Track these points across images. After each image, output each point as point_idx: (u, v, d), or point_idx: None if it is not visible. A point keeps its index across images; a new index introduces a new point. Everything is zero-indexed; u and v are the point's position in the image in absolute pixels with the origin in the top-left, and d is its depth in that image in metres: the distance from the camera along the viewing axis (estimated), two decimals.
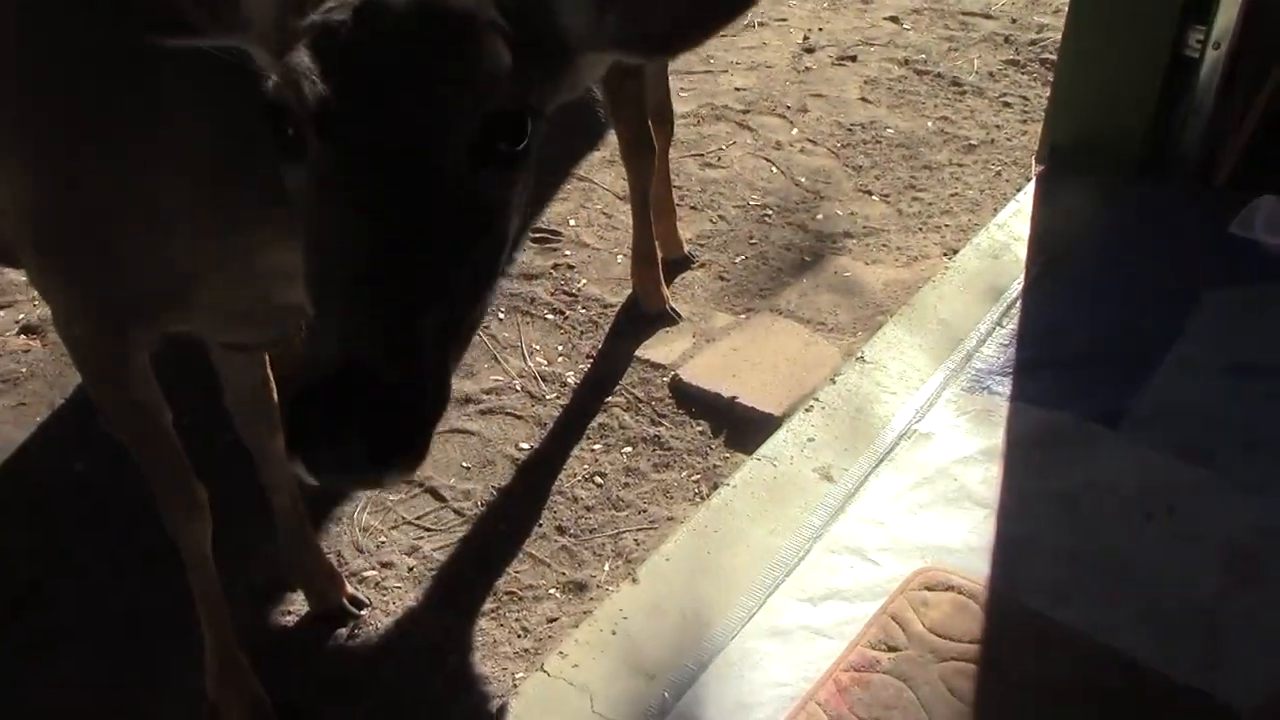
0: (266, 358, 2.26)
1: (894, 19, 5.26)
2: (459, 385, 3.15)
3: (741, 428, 3.02)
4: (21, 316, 3.37)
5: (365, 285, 1.15)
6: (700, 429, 3.04)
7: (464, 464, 2.93)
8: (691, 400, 3.12)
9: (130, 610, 2.56)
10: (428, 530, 2.76)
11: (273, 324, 1.89)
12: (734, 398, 3.07)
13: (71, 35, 1.62)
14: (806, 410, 2.92)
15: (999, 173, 4.16)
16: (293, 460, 1.11)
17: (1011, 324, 3.19)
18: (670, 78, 4.61)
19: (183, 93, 1.55)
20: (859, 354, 3.10)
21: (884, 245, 3.77)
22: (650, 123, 3.29)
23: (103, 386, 1.93)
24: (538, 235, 3.75)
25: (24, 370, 3.12)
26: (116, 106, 1.60)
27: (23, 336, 3.28)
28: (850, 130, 4.40)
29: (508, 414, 3.09)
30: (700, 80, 4.70)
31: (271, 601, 2.61)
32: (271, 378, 2.30)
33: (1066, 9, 3.74)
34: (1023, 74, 4.81)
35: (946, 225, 3.86)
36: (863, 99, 4.62)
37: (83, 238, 1.71)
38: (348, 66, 1.20)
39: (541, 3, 1.31)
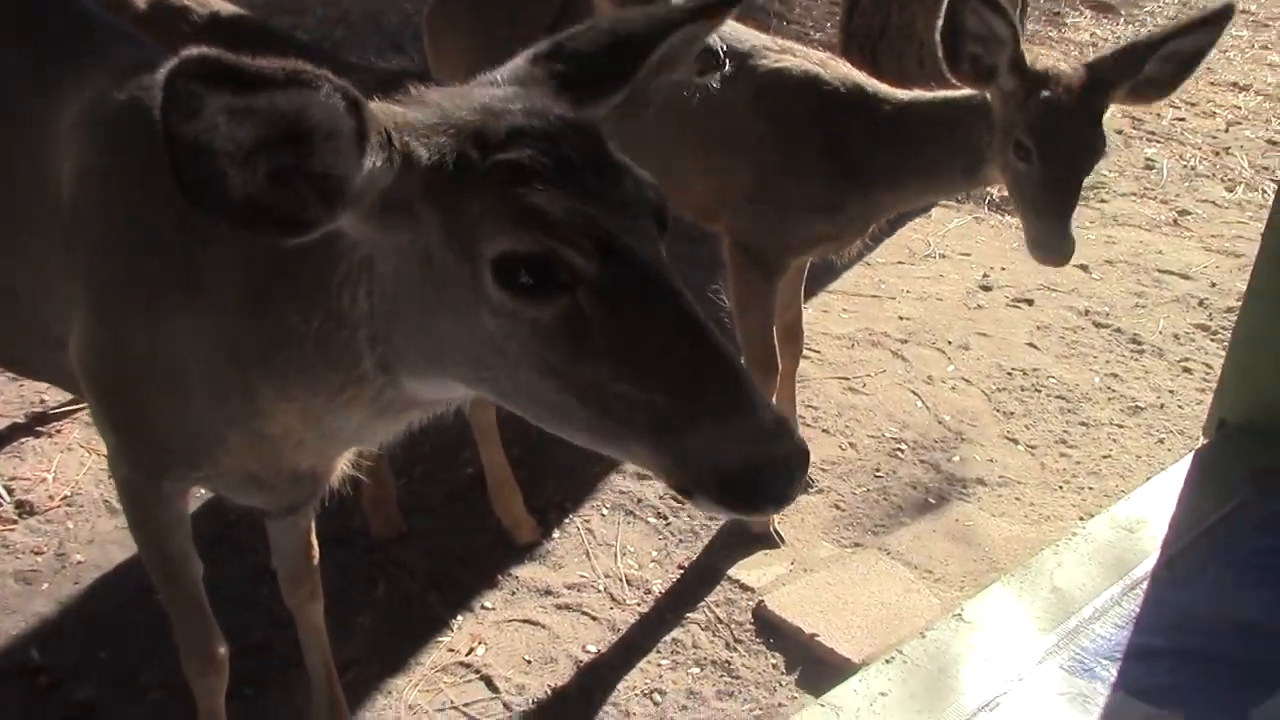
0: (311, 526, 2.31)
1: (1084, 268, 5.10)
2: (541, 575, 3.13)
3: (816, 668, 2.87)
4: None
5: (726, 362, 1.31)
6: (774, 662, 2.90)
7: (526, 657, 2.88)
8: (771, 630, 2.99)
9: None
10: (472, 719, 2.71)
11: (283, 491, 1.93)
12: (814, 635, 2.93)
13: (141, 217, 1.75)
14: (886, 661, 2.73)
15: (1162, 440, 3.92)
16: (752, 503, 1.31)
17: (1133, 605, 2.94)
18: (833, 298, 4.63)
19: (221, 278, 1.65)
20: (958, 610, 2.90)
21: (1016, 499, 3.57)
22: (778, 342, 3.26)
23: (137, 527, 2.02)
24: None
25: None
26: (166, 284, 1.72)
27: None
28: (1009, 374, 4.25)
29: (583, 613, 3.03)
30: (865, 304, 4.67)
31: None
32: (315, 545, 2.34)
33: None
34: (1212, 340, 4.56)
35: (1090, 488, 3.63)
36: (1030, 344, 4.47)
37: (122, 390, 1.81)
38: (614, 199, 1.35)
39: None
